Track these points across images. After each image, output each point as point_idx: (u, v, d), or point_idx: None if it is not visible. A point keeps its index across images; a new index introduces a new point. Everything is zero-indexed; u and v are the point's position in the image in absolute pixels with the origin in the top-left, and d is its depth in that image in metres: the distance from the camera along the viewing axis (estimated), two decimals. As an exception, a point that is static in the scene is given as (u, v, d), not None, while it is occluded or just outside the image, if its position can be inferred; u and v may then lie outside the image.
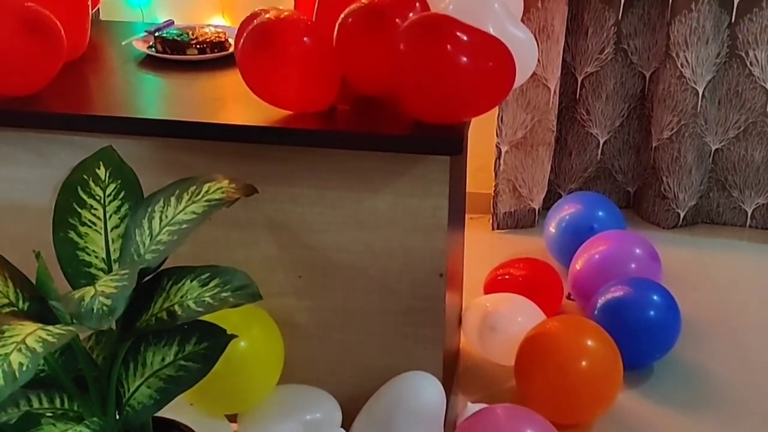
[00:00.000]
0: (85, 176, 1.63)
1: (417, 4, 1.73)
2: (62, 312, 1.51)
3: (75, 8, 1.87)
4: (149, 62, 2.01)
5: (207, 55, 2.02)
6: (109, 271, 1.58)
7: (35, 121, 1.79)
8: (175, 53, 2.01)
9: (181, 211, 1.54)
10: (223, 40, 2.06)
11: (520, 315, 2.28)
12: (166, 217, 1.54)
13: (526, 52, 1.73)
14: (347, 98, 1.77)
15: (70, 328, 1.34)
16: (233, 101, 1.86)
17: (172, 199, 1.56)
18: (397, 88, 1.67)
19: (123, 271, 1.43)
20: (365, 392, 1.98)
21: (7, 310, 1.46)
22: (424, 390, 1.90)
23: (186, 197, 1.55)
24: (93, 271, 1.58)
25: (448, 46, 1.57)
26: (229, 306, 1.42)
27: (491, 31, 1.69)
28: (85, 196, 1.61)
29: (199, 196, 1.55)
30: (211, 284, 1.46)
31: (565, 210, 2.77)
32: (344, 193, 1.84)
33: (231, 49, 2.05)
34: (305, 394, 1.96)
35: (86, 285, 1.55)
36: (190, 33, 2.06)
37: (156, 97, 1.90)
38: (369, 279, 1.91)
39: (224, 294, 1.43)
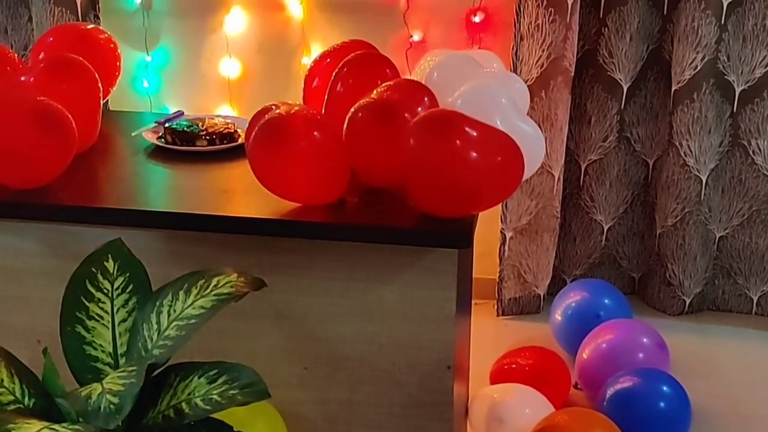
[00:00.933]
0: (93, 269, 1.62)
1: (425, 99, 1.75)
2: (68, 409, 1.49)
3: (87, 101, 1.90)
4: (159, 153, 2.03)
5: (216, 147, 2.04)
6: (116, 366, 1.57)
7: (44, 213, 1.80)
8: (185, 144, 2.03)
9: (189, 306, 1.53)
10: (232, 131, 2.08)
11: (528, 406, 2.25)
12: (175, 311, 1.53)
13: (534, 146, 1.75)
14: (356, 190, 1.78)
15: (77, 427, 1.32)
16: (242, 193, 1.87)
17: (181, 293, 1.55)
18: (406, 181, 1.68)
19: (130, 368, 1.42)
20: (372, 487, 1.95)
21: (12, 407, 1.44)
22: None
23: (195, 291, 1.55)
24: (99, 365, 1.56)
25: (458, 142, 1.59)
26: (237, 404, 1.40)
27: (499, 125, 1.71)
28: (93, 290, 1.60)
29: (208, 290, 1.54)
30: (219, 381, 1.44)
31: (571, 297, 2.76)
32: (352, 284, 1.84)
33: (240, 140, 2.07)
34: (311, 490, 1.93)
35: (93, 380, 1.54)
36: (200, 124, 2.08)
37: (165, 188, 1.91)
38: (376, 371, 1.89)
39: (232, 392, 1.41)
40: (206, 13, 2.92)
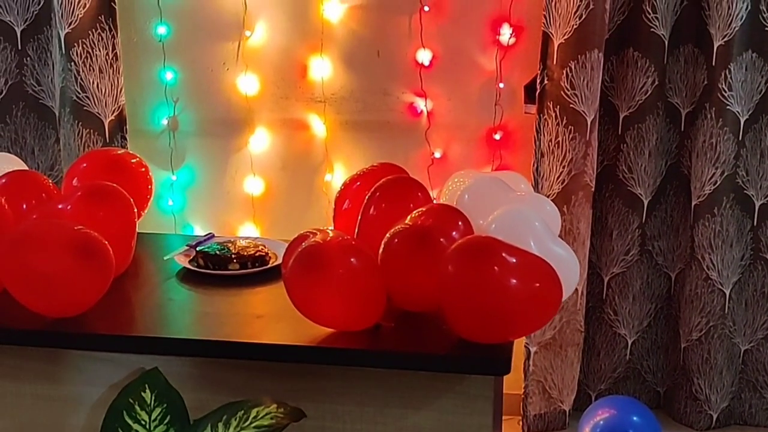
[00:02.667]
0: (130, 400, 1.62)
1: (460, 223, 1.76)
2: None
3: (123, 228, 1.91)
4: (191, 277, 2.04)
5: (248, 270, 2.04)
6: (153, 500, 1.54)
7: (80, 342, 1.79)
8: (217, 268, 2.04)
9: (229, 438, 1.51)
10: (263, 254, 2.09)
11: None
12: (214, 444, 1.52)
13: (569, 270, 1.75)
14: (391, 314, 1.77)
15: None
16: (277, 318, 1.87)
17: (220, 426, 1.55)
18: (443, 307, 1.68)
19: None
20: None
21: None
22: None
23: (234, 423, 1.54)
24: (137, 500, 1.54)
25: (496, 268, 1.60)
26: None
27: (533, 248, 1.72)
28: (130, 421, 1.60)
29: (248, 423, 1.53)
30: None
31: (599, 415, 2.72)
32: (387, 410, 1.82)
33: (272, 263, 2.08)
34: None
35: None
36: (231, 246, 2.10)
37: (199, 314, 1.90)
38: (410, 500, 1.85)
39: None
40: (231, 134, 2.98)
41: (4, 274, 1.72)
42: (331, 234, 1.74)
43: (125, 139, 2.90)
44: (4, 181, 1.96)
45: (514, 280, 1.60)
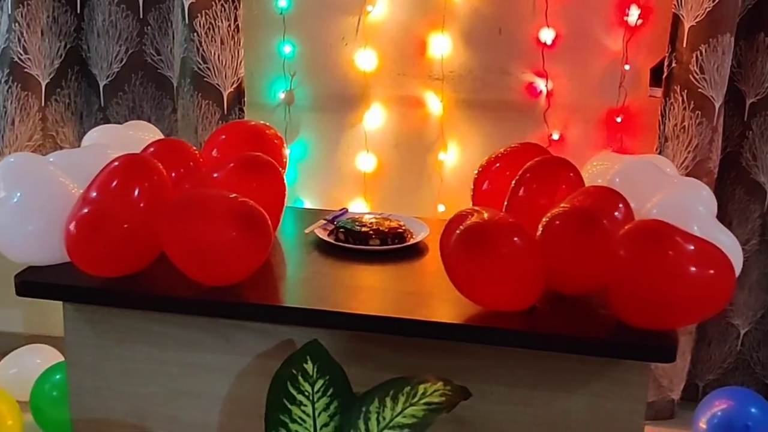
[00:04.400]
0: (293, 371, 1.62)
1: (621, 205, 1.73)
2: None
3: (274, 200, 1.91)
4: (331, 251, 2.03)
5: (389, 246, 2.03)
6: (318, 471, 1.54)
7: (233, 311, 1.80)
8: (358, 243, 2.03)
9: (399, 414, 1.51)
10: (402, 231, 2.08)
11: None
12: (384, 419, 1.51)
13: (734, 257, 1.71)
14: (547, 297, 1.75)
15: None
16: (427, 296, 1.86)
17: (388, 400, 1.54)
18: (607, 290, 1.65)
19: (351, 478, 1.39)
20: None
21: None
22: None
23: (402, 399, 1.53)
24: (303, 471, 1.54)
25: (671, 253, 1.57)
26: None
27: (696, 233, 1.68)
28: (294, 392, 1.60)
29: (416, 398, 1.52)
30: (440, 495, 1.41)
31: (716, 406, 2.68)
32: (536, 393, 1.80)
33: (410, 241, 2.07)
34: None
35: (297, 486, 1.52)
36: (369, 223, 2.09)
37: (350, 289, 1.90)
38: (555, 483, 1.84)
39: (457, 507, 1.38)
40: (346, 109, 2.96)
41: (166, 240, 1.73)
42: (494, 214, 1.71)
43: (242, 111, 2.90)
44: (152, 149, 1.96)
45: (690, 267, 1.57)
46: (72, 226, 1.71)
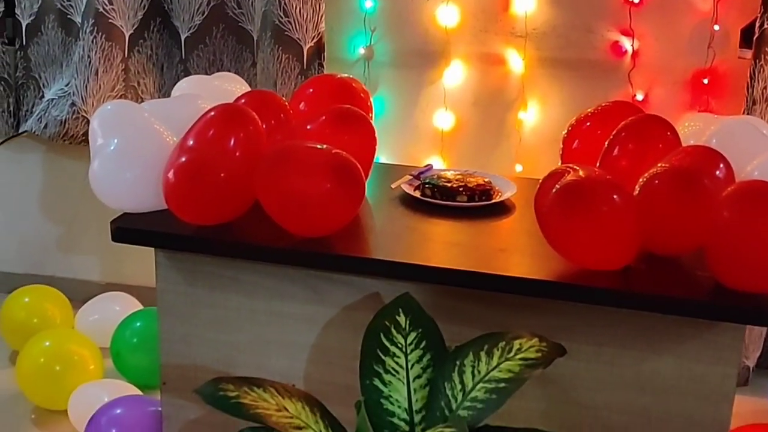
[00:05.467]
0: (387, 323, 1.62)
1: (721, 165, 1.70)
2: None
3: (365, 154, 1.92)
4: (418, 206, 2.03)
5: (476, 203, 2.03)
6: (411, 422, 1.55)
7: (319, 261, 1.81)
8: (446, 199, 2.03)
9: (494, 368, 1.51)
10: (489, 188, 2.07)
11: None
12: (479, 372, 1.52)
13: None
14: (641, 258, 1.73)
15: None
16: (519, 252, 1.85)
17: (482, 354, 1.54)
18: (708, 251, 1.63)
19: (450, 429, 1.40)
20: None
21: (332, 460, 1.44)
22: None
23: (497, 353, 1.53)
24: (396, 421, 1.56)
25: (778, 216, 1.53)
26: (563, 475, 1.36)
27: (799, 198, 1.65)
28: (387, 344, 1.60)
29: (512, 354, 1.52)
30: (537, 449, 1.41)
31: (796, 374, 2.64)
32: (625, 352, 1.79)
33: (497, 198, 2.06)
34: None
35: (391, 436, 1.53)
36: (455, 179, 2.08)
37: (441, 244, 1.89)
38: (641, 444, 1.83)
39: (556, 462, 1.38)
40: (426, 66, 2.94)
41: (261, 190, 1.74)
42: (588, 171, 1.69)
43: (322, 66, 2.90)
44: (244, 101, 1.97)
45: (798, 229, 1.53)
46: (170, 174, 1.73)
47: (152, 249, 1.95)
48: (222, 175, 1.73)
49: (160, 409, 2.14)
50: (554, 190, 1.65)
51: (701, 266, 1.71)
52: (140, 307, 3.01)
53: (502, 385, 1.47)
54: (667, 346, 1.76)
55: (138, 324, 2.78)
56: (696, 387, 1.76)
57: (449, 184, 2.05)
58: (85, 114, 2.99)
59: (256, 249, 1.83)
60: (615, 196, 1.63)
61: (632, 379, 1.80)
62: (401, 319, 1.63)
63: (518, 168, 2.93)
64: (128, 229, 1.87)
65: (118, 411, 2.25)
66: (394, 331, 1.61)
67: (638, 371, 1.79)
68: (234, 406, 1.45)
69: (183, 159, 1.73)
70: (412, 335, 1.61)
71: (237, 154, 1.75)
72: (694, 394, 1.77)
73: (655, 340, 1.76)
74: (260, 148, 1.79)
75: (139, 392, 2.55)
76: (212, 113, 1.78)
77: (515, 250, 1.87)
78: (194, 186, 1.73)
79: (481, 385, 1.49)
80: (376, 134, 1.98)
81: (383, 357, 1.58)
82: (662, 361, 1.77)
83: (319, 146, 1.75)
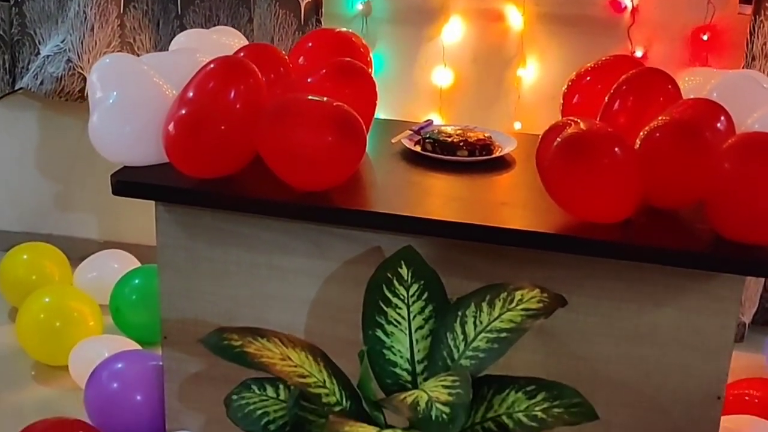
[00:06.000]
0: (389, 275, 1.63)
1: (722, 118, 1.70)
2: (377, 414, 1.50)
3: (366, 108, 1.91)
4: (419, 161, 2.03)
5: (477, 158, 2.03)
6: (413, 372, 1.57)
7: (321, 214, 1.81)
8: (446, 154, 2.02)
9: (496, 319, 1.52)
10: (489, 143, 2.07)
11: (769, 441, 2.17)
12: (481, 323, 1.53)
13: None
14: (642, 210, 1.74)
15: (413, 434, 1.32)
16: (520, 206, 1.85)
17: (484, 305, 1.55)
18: (706, 204, 1.63)
19: (452, 378, 1.41)
20: None
21: (337, 408, 1.45)
22: None
23: (499, 304, 1.54)
24: (398, 371, 1.57)
25: (780, 168, 1.54)
26: (564, 424, 1.38)
27: (799, 150, 1.65)
28: (390, 295, 1.61)
29: (513, 304, 1.53)
30: (538, 398, 1.43)
31: (792, 330, 2.66)
32: (623, 305, 1.80)
33: (497, 153, 2.06)
34: None
35: (392, 385, 1.55)
36: (456, 134, 2.08)
37: (443, 198, 1.90)
38: (638, 395, 1.85)
39: (557, 410, 1.40)
40: (424, 22, 2.92)
41: (262, 143, 1.74)
42: (589, 124, 1.69)
43: (320, 22, 2.88)
44: (243, 54, 1.96)
45: (798, 180, 1.54)
46: (170, 127, 1.72)
47: (150, 207, 1.95)
48: (222, 127, 1.73)
49: (161, 363, 2.16)
50: (556, 143, 1.65)
51: (701, 219, 1.72)
52: (138, 264, 3.01)
53: (504, 334, 1.48)
54: (666, 298, 1.77)
55: (137, 281, 2.78)
56: (695, 339, 1.78)
57: (450, 139, 2.05)
58: (81, 70, 2.97)
59: (257, 202, 1.83)
60: (616, 149, 1.64)
61: (631, 332, 1.81)
62: (403, 271, 1.64)
63: (517, 125, 2.93)
64: (129, 182, 1.87)
65: (119, 365, 2.26)
66: (396, 283, 1.62)
67: (637, 324, 1.81)
68: (238, 355, 1.46)
69: (183, 111, 1.72)
70: (414, 287, 1.62)
71: (237, 106, 1.74)
72: (693, 346, 1.79)
73: (654, 293, 1.78)
74: (261, 100, 1.78)
75: (140, 348, 2.56)
76: (212, 65, 1.77)
77: (516, 203, 1.88)
78: (194, 138, 1.72)
79: (483, 335, 1.50)
80: (377, 88, 1.97)
81: (385, 308, 1.59)
82: (661, 314, 1.79)
83: (320, 99, 1.74)
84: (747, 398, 2.36)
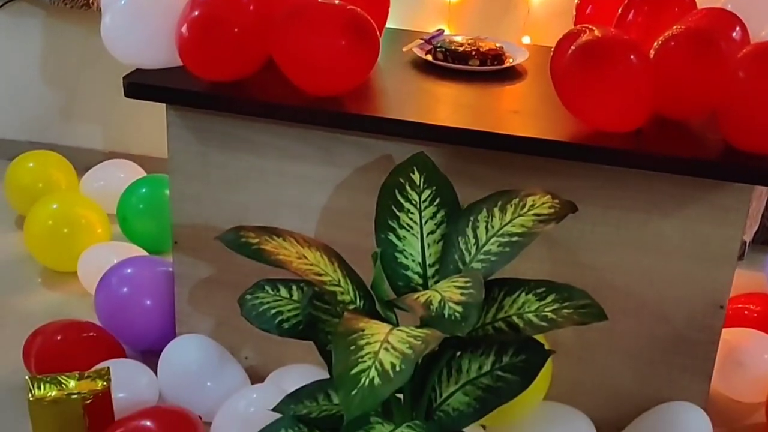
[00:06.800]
0: (401, 180, 1.64)
1: (737, 28, 1.70)
2: (389, 314, 1.52)
3: (378, 11, 1.90)
4: (430, 70, 2.03)
5: (488, 67, 2.02)
6: (424, 275, 1.59)
7: (333, 119, 1.81)
8: (458, 63, 2.02)
9: (508, 223, 1.54)
10: (501, 53, 2.06)
11: (767, 352, 2.22)
12: (493, 227, 1.54)
13: None
14: (654, 121, 1.74)
15: (426, 331, 1.34)
16: (532, 115, 1.86)
17: (496, 210, 1.56)
18: (720, 113, 1.64)
19: (464, 279, 1.43)
20: (620, 417, 1.96)
21: (351, 307, 1.48)
22: (694, 422, 1.87)
23: (510, 210, 1.56)
24: (410, 274, 1.59)
25: (793, 76, 1.54)
26: (574, 323, 1.41)
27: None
28: (402, 200, 1.63)
29: (525, 210, 1.55)
30: (548, 299, 1.45)
31: (792, 248, 2.69)
32: (631, 214, 1.82)
33: (509, 63, 2.05)
34: (564, 414, 1.94)
35: (404, 287, 1.58)
36: (467, 44, 2.07)
37: (455, 105, 1.90)
38: (643, 304, 1.88)
39: (566, 311, 1.42)
40: (434, -68, 2.88)
41: (276, 46, 1.74)
42: (604, 31, 1.69)
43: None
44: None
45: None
46: (184, 29, 1.72)
47: (155, 117, 1.94)
48: (236, 29, 1.72)
49: (170, 269, 2.19)
50: (571, 49, 1.65)
51: (712, 130, 1.73)
52: (144, 174, 3.02)
53: (515, 238, 1.50)
54: (673, 208, 1.79)
55: (144, 190, 2.79)
56: (700, 249, 1.81)
57: (461, 48, 2.04)
58: (85, -24, 2.94)
59: (269, 106, 1.83)
60: (632, 56, 1.63)
61: (637, 241, 1.84)
62: (416, 176, 1.65)
63: (526, 40, 2.90)
64: (141, 84, 1.86)
65: (129, 270, 2.28)
66: (408, 188, 1.63)
67: (643, 233, 1.83)
68: (255, 252, 1.47)
69: (197, 12, 1.71)
70: (426, 192, 1.64)
71: (251, 8, 1.73)
72: (698, 255, 1.81)
73: (662, 203, 1.80)
74: (274, 3, 1.76)
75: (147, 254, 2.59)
76: (225, -33, 1.75)
77: (528, 112, 1.88)
78: (208, 40, 1.72)
79: (494, 239, 1.52)
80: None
81: (398, 213, 1.61)
82: (668, 223, 1.81)
83: (333, 2, 1.73)
84: (746, 312, 2.40)
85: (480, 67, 2.02)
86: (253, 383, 2.05)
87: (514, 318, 1.44)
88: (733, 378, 2.21)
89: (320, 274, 1.46)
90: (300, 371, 1.97)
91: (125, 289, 2.24)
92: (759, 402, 2.15)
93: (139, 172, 3.04)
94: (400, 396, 1.52)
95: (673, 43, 1.66)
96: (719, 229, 1.78)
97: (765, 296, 2.49)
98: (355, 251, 1.76)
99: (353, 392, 1.20)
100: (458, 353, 1.53)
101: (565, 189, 1.81)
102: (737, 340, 2.25)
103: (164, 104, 1.92)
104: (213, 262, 2.07)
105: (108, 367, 1.90)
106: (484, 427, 1.92)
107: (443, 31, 2.23)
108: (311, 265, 1.47)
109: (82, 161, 3.20)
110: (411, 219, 1.61)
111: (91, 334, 2.15)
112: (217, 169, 1.98)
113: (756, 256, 2.96)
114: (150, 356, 2.13)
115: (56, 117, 3.37)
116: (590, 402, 1.96)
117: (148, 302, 2.21)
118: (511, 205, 1.56)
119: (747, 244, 3.00)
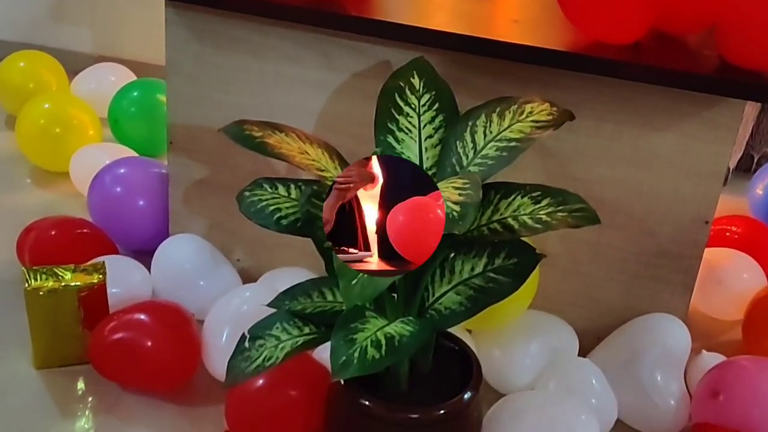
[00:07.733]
0: (401, 83, 1.65)
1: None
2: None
3: None
4: (431, -24, 2.02)
5: (490, -24, 2.02)
6: (421, 178, 1.61)
7: (331, 21, 1.81)
8: (459, -30, 2.01)
9: (506, 129, 1.56)
10: (502, -38, 2.05)
11: (745, 272, 2.28)
12: (491, 132, 1.56)
13: None
14: (652, 35, 1.76)
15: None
16: (532, 24, 1.86)
17: (494, 116, 1.58)
18: (718, 28, 1.65)
19: (462, 181, 1.45)
20: (602, 327, 2.02)
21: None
22: (674, 334, 1.92)
23: (509, 116, 1.57)
24: (407, 176, 1.61)
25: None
26: (567, 226, 1.44)
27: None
28: (401, 103, 1.64)
29: (523, 116, 1.57)
30: (543, 203, 1.48)
31: (775, 173, 2.74)
32: (625, 128, 1.84)
33: (510, -27, 2.05)
34: (548, 322, 1.99)
35: (402, 189, 1.59)
36: (468, -48, 2.06)
37: (454, 13, 1.90)
38: (630, 218, 1.92)
39: (561, 214, 1.45)
40: None
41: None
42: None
43: None
44: None
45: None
46: None
47: (145, 22, 1.93)
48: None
49: (163, 170, 2.20)
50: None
51: (709, 47, 1.74)
52: (135, 78, 3.00)
53: (513, 144, 1.52)
54: (667, 123, 1.82)
55: (135, 93, 2.78)
56: (690, 164, 1.84)
57: (462, -43, 2.03)
58: None
59: (269, 6, 1.82)
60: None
61: (629, 155, 1.87)
62: (415, 81, 1.66)
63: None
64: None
65: (122, 170, 2.29)
66: (408, 92, 1.64)
67: (636, 147, 1.86)
68: (259, 144, 1.49)
69: None
70: (426, 97, 1.65)
71: None
72: (688, 170, 1.85)
73: (655, 118, 1.82)
74: None
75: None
76: None
77: (529, 21, 1.88)
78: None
79: (492, 143, 1.54)
80: None
81: (397, 116, 1.62)
82: (660, 138, 1.84)
83: None
84: (728, 234, 2.46)
85: (480, -24, 2.01)
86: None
87: (509, 220, 1.47)
88: (713, 296, 2.28)
89: (321, 170, 1.47)
90: (292, 273, 2.00)
91: (119, 189, 2.26)
92: (736, 320, 2.22)
93: (130, 76, 3.03)
94: (394, 295, 1.56)
95: (676, -44, 1.66)
96: (711, 146, 1.81)
97: (746, 219, 2.54)
98: (352, 157, 1.78)
99: (353, 281, 1.23)
100: (452, 254, 1.56)
101: (561, 101, 1.81)
102: (717, 260, 2.31)
103: (161, 3, 1.90)
104: (207, 164, 2.08)
105: (103, 262, 1.92)
106: (469, 331, 1.98)
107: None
108: (313, 160, 1.49)
109: (71, 64, 3.17)
110: (410, 122, 1.63)
111: (85, 230, 2.17)
112: (215, 70, 1.98)
113: (738, 182, 3.01)
114: (142, 256, 2.16)
115: (46, 18, 3.33)
116: (573, 312, 2.02)
117: (142, 202, 2.23)
118: (510, 112, 1.57)
119: (730, 170, 3.05)
